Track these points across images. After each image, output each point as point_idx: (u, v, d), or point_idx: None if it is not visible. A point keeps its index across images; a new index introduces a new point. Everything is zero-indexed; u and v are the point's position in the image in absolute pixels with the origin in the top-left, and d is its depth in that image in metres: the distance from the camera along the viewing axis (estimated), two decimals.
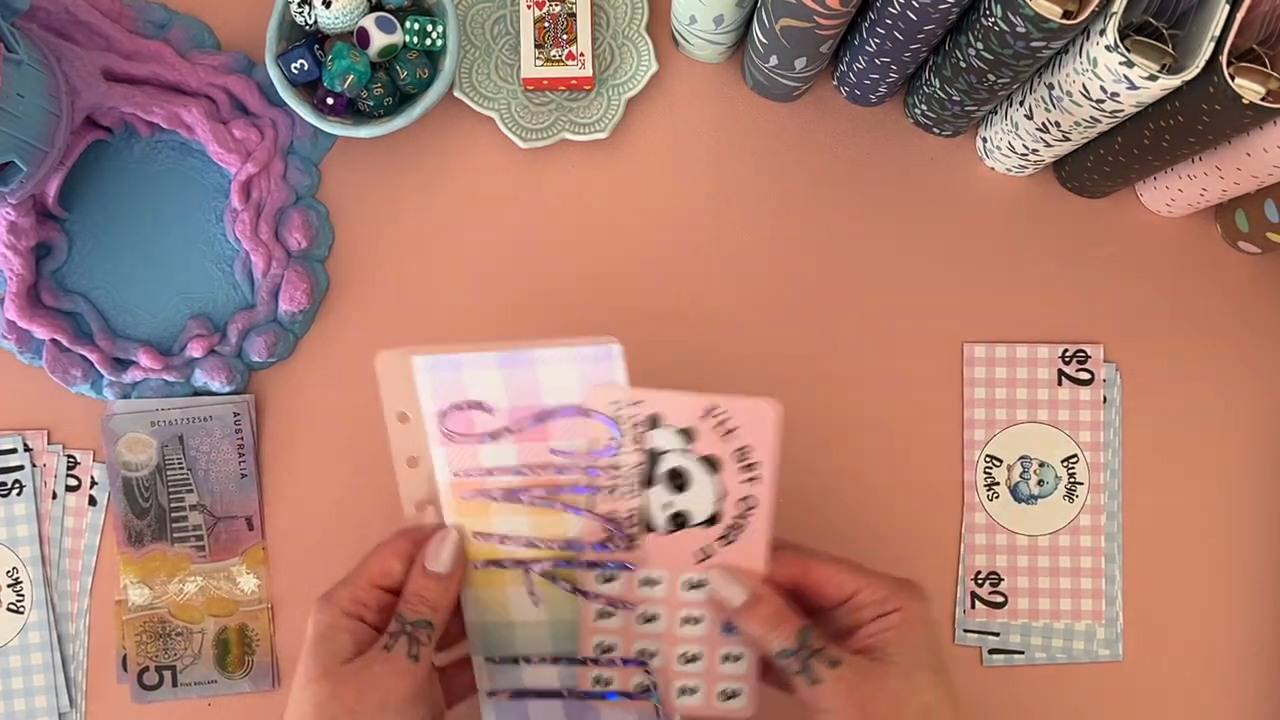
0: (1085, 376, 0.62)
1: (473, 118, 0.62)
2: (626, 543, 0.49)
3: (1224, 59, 0.46)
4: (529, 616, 0.52)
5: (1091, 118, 0.51)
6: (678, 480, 0.49)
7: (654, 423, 0.48)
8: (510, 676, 0.52)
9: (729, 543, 0.49)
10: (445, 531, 0.50)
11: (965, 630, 0.61)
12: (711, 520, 0.49)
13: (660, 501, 0.49)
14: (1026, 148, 0.58)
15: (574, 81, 0.60)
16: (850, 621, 0.48)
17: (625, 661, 0.51)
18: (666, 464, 0.49)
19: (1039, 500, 0.62)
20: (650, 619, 0.50)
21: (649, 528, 0.49)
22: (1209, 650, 0.62)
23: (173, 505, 0.60)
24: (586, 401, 0.48)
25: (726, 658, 0.50)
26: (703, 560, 0.49)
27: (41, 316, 0.59)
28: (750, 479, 0.49)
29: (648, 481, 0.49)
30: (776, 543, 0.49)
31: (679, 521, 0.49)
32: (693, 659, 0.50)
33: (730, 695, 0.51)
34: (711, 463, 0.49)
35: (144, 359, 0.59)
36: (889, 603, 0.47)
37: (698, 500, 0.49)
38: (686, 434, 0.49)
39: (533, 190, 0.62)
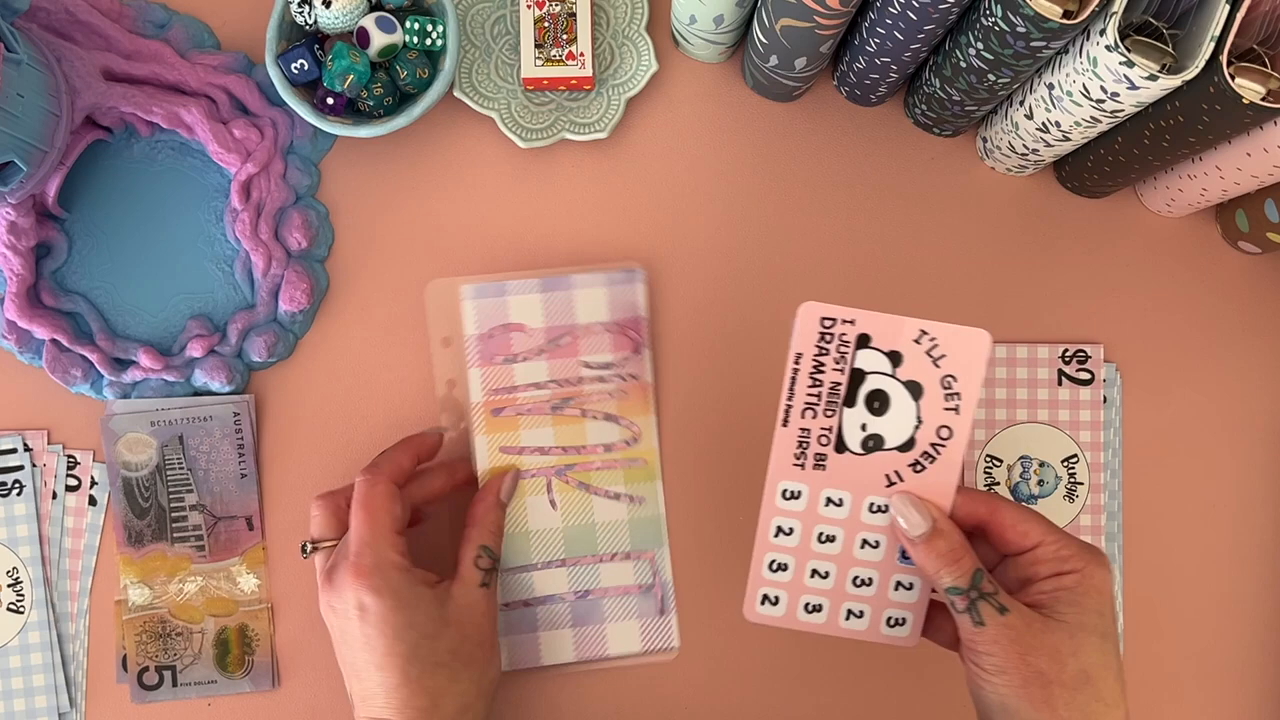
0: (1085, 376, 0.62)
1: (473, 118, 0.62)
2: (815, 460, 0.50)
3: (1224, 59, 0.46)
4: (545, 524, 0.59)
5: (1091, 118, 0.51)
6: (877, 403, 0.49)
7: (863, 342, 0.48)
8: (522, 586, 0.59)
9: (919, 470, 0.49)
10: (515, 471, 0.58)
11: None
12: (906, 446, 0.49)
13: (857, 422, 0.49)
14: (1026, 148, 0.58)
15: (574, 81, 0.60)
16: (1027, 574, 0.48)
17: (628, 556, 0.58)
18: (869, 385, 0.49)
19: (1039, 500, 0.62)
20: (829, 539, 0.50)
21: (840, 448, 0.49)
22: (1209, 650, 0.62)
23: (173, 505, 0.60)
24: (797, 319, 0.48)
25: (898, 585, 0.51)
26: (890, 485, 0.49)
27: (41, 316, 0.59)
28: (951, 408, 0.49)
29: (850, 401, 0.49)
30: (965, 486, 0.50)
31: (872, 444, 0.49)
32: (865, 583, 0.51)
33: (896, 623, 0.51)
34: (915, 388, 0.49)
35: (144, 359, 0.59)
36: (1070, 562, 0.47)
37: (895, 424, 0.49)
38: (894, 357, 0.49)
39: (533, 190, 0.62)
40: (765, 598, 0.51)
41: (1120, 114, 0.50)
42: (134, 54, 0.59)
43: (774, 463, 0.49)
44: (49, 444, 0.61)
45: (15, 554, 0.60)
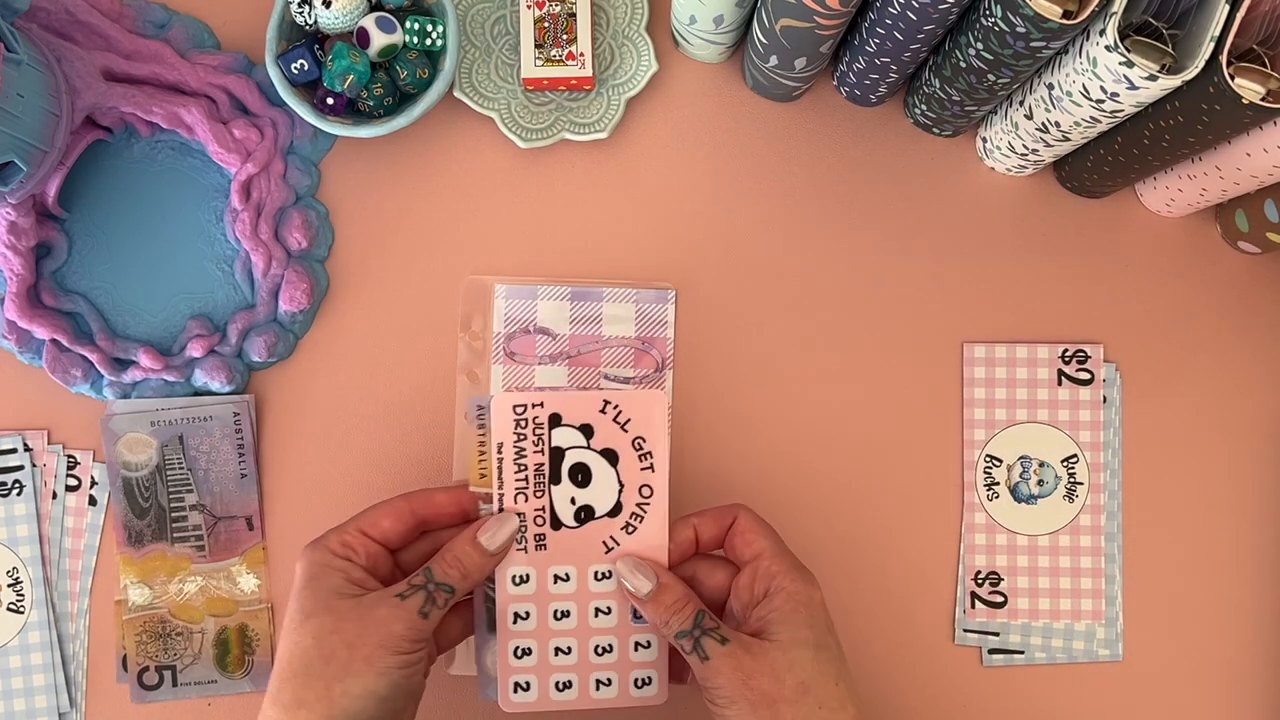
0: (1085, 376, 0.62)
1: (473, 118, 0.62)
2: (536, 541, 0.52)
3: (1224, 59, 0.46)
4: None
5: (1091, 118, 0.51)
6: (580, 475, 0.52)
7: (555, 421, 0.52)
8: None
9: (631, 532, 0.52)
10: (510, 516, 0.52)
11: (965, 630, 0.61)
12: (615, 511, 0.52)
13: (566, 496, 0.52)
14: (1026, 148, 0.58)
15: (574, 81, 0.60)
16: (745, 598, 0.51)
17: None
18: (570, 460, 0.52)
19: (1039, 500, 0.62)
20: (564, 615, 0.53)
21: (556, 524, 0.52)
22: (1209, 650, 0.62)
23: (173, 505, 0.60)
24: (489, 412, 0.52)
25: (637, 646, 0.53)
26: (609, 551, 0.52)
27: (41, 316, 0.59)
28: (647, 467, 0.52)
29: (555, 478, 0.52)
30: (709, 508, 0.53)
31: (584, 515, 0.52)
32: (606, 650, 0.53)
33: (643, 683, 0.54)
34: (611, 455, 0.52)
35: (144, 359, 0.59)
36: (778, 579, 0.50)
37: (600, 492, 0.52)
38: (585, 430, 0.52)
39: (533, 190, 0.62)
40: (517, 685, 0.53)
41: (1120, 114, 0.50)
42: (134, 54, 0.59)
43: None
44: (49, 444, 0.61)
45: (15, 554, 0.60)
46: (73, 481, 0.61)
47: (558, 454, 0.52)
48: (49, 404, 0.61)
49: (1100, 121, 0.52)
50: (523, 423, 0.52)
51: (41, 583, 0.60)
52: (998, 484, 0.62)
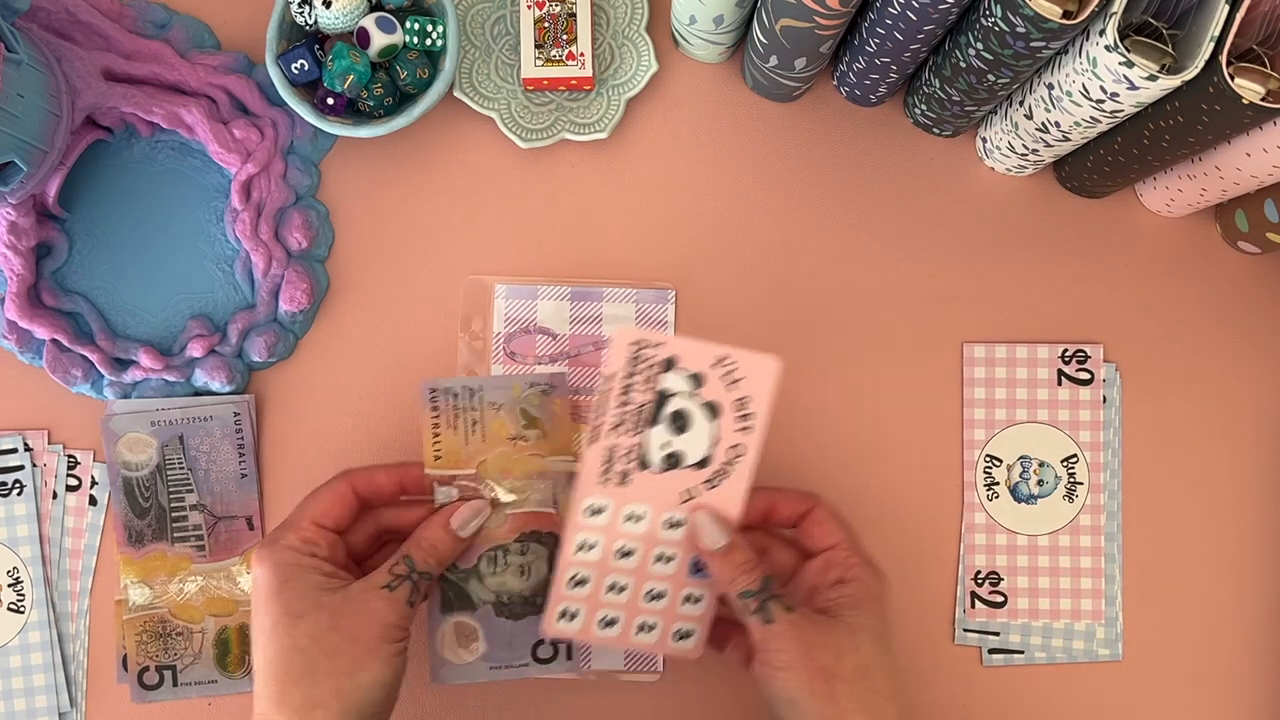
0: (1085, 376, 0.62)
1: (473, 118, 0.62)
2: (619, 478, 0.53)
3: (1224, 59, 0.46)
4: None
5: (1091, 118, 0.51)
6: (679, 422, 0.52)
7: (669, 365, 0.52)
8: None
9: (713, 486, 0.52)
10: (483, 504, 0.54)
11: (965, 630, 0.61)
12: (702, 464, 0.52)
13: (659, 441, 0.52)
14: (1026, 148, 0.58)
15: (574, 81, 0.60)
16: (814, 582, 0.52)
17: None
18: (672, 406, 0.52)
19: (1039, 500, 0.62)
20: (627, 554, 0.53)
21: (643, 465, 0.52)
22: (1209, 650, 0.62)
23: (173, 505, 0.60)
24: (610, 342, 0.52)
25: (688, 599, 0.54)
26: (686, 501, 0.53)
27: (42, 316, 0.59)
28: (744, 428, 0.52)
29: (652, 420, 0.52)
30: (786, 488, 0.55)
31: (672, 462, 0.52)
32: (658, 596, 0.53)
33: (683, 635, 0.54)
34: (713, 408, 0.52)
35: (144, 359, 0.59)
36: (854, 570, 0.51)
37: (694, 442, 0.52)
38: (695, 379, 0.52)
39: (533, 190, 0.62)
40: (564, 613, 0.53)
41: (1120, 114, 0.50)
42: (134, 54, 0.59)
43: (582, 480, 0.52)
44: (49, 444, 0.61)
45: (15, 554, 0.60)
46: (73, 481, 0.61)
47: (663, 397, 0.52)
48: (49, 404, 0.61)
49: (1100, 121, 0.52)
50: (638, 360, 0.51)
51: (42, 582, 0.60)
52: (998, 484, 0.62)
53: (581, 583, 0.53)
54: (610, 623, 0.53)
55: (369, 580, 0.50)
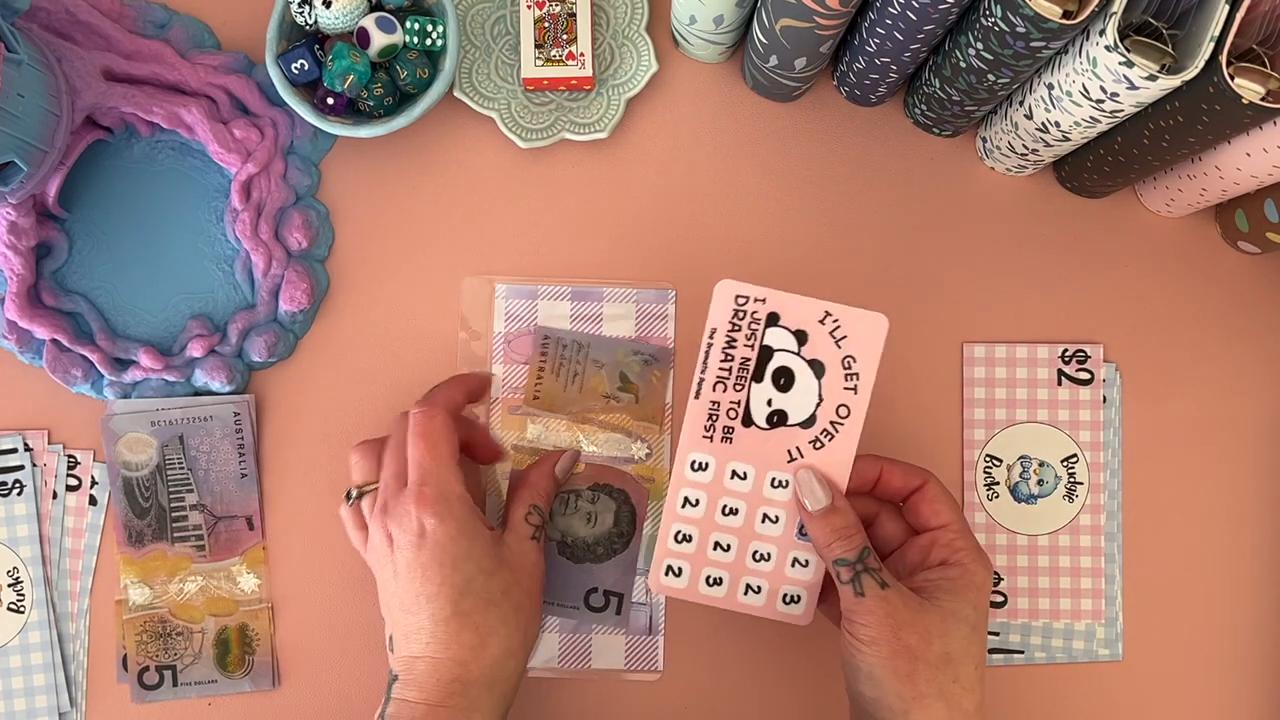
0: (1085, 376, 0.62)
1: (473, 118, 0.62)
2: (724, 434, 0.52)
3: (1224, 59, 0.46)
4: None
5: (1091, 118, 0.51)
6: (783, 379, 0.51)
7: (772, 320, 0.51)
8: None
9: (819, 448, 0.52)
10: (578, 453, 0.58)
11: None
12: (807, 423, 0.52)
13: (764, 398, 0.52)
14: (1026, 148, 0.58)
15: (574, 81, 0.60)
16: (917, 560, 0.52)
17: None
18: (776, 362, 0.51)
19: (1039, 500, 0.62)
20: (732, 512, 0.52)
21: (747, 422, 0.52)
22: (1209, 650, 0.62)
23: (173, 505, 0.60)
24: (714, 296, 0.51)
25: (795, 562, 0.53)
26: (791, 461, 0.52)
27: (42, 316, 0.59)
28: (850, 388, 0.51)
29: (759, 376, 0.51)
30: (896, 459, 0.54)
31: (776, 420, 0.52)
32: (764, 558, 0.53)
33: (791, 600, 0.53)
34: (818, 367, 0.51)
35: (144, 359, 0.59)
36: (960, 554, 0.50)
37: (799, 401, 0.52)
38: (800, 336, 0.51)
39: (533, 191, 0.62)
40: (670, 569, 0.53)
41: (1120, 114, 0.50)
42: (134, 54, 0.59)
43: (685, 435, 0.52)
44: (49, 444, 0.61)
45: (15, 554, 0.60)
46: (73, 481, 0.61)
47: (766, 353, 0.51)
48: (49, 404, 0.61)
49: (1100, 121, 0.52)
50: (740, 314, 0.51)
51: (42, 582, 0.60)
52: (998, 484, 0.62)
53: (686, 539, 0.53)
54: (716, 582, 0.53)
55: (515, 533, 0.53)
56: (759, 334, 0.51)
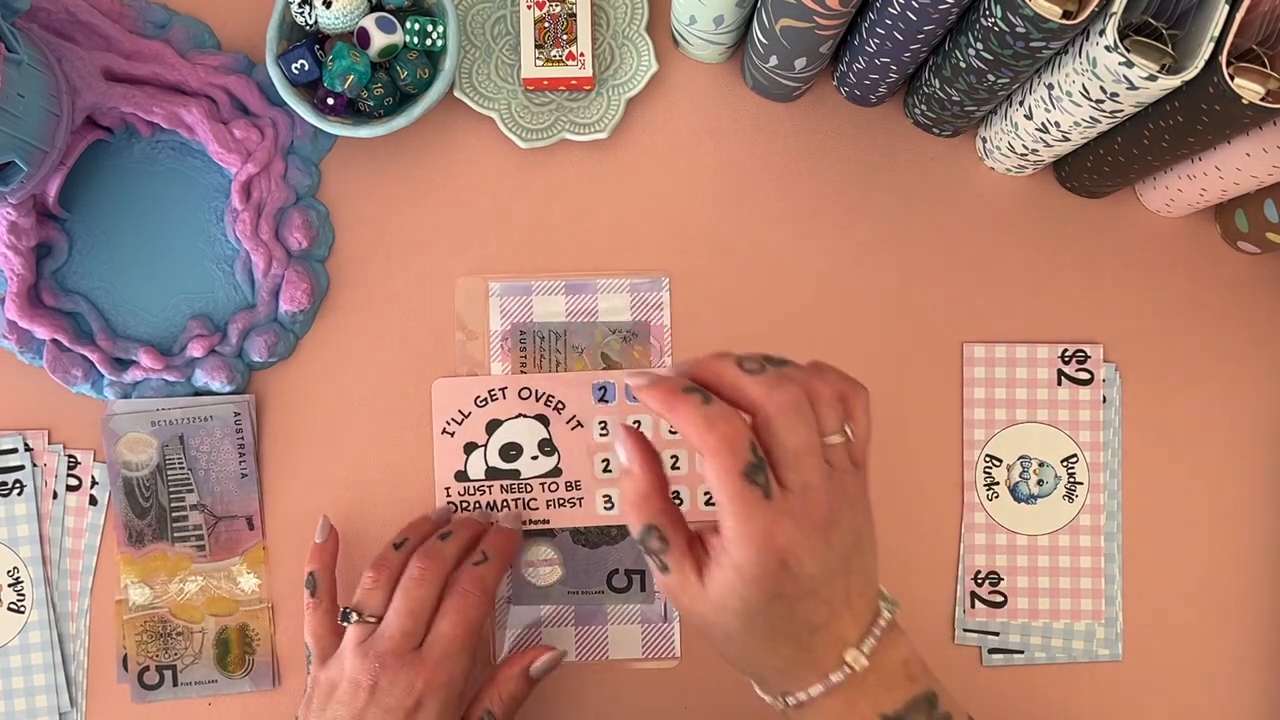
0: (1085, 376, 0.62)
1: (473, 118, 0.62)
2: None
3: (1224, 59, 0.46)
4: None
5: (1091, 118, 0.51)
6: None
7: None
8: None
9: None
10: (559, 655, 0.56)
11: (965, 630, 0.61)
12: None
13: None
14: (1026, 148, 0.58)
15: (574, 81, 0.60)
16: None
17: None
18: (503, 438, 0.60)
19: (1038, 500, 0.62)
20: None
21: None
22: (1209, 650, 0.62)
23: (173, 505, 0.60)
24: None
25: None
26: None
27: (42, 316, 0.59)
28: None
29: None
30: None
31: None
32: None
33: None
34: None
35: (144, 359, 0.59)
36: (725, 526, 0.41)
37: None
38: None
39: (533, 191, 0.62)
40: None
41: (1120, 114, 0.50)
42: (134, 54, 0.59)
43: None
44: (49, 444, 0.61)
45: (16, 554, 0.60)
46: (73, 481, 0.61)
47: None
48: (49, 404, 0.61)
49: (1100, 121, 0.52)
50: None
51: (42, 582, 0.60)
52: (997, 484, 0.62)
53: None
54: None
55: None
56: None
